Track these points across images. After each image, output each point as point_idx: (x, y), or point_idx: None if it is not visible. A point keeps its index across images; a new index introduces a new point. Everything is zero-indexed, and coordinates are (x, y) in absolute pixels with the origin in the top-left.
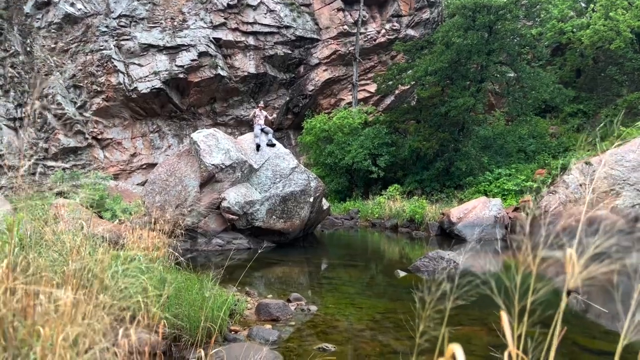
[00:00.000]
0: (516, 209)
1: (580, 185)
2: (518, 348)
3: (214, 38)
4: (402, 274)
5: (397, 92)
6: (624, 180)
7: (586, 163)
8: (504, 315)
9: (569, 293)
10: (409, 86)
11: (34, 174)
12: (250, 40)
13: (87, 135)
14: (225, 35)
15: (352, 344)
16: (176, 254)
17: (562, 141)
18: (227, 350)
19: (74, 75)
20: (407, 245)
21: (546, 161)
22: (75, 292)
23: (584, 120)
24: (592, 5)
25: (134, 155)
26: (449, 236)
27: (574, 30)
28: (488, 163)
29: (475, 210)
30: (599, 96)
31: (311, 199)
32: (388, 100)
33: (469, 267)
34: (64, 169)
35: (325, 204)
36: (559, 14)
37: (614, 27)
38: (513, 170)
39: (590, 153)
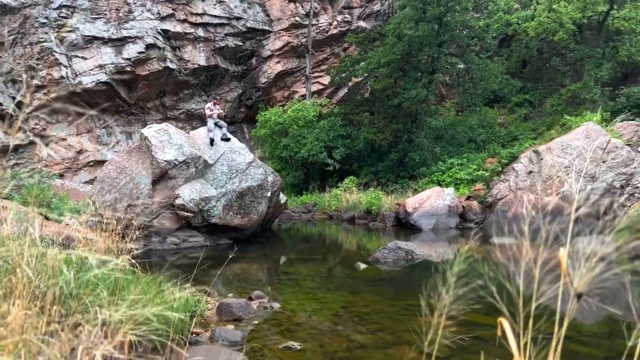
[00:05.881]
0: (469, 198)
1: (529, 173)
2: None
3: (161, 29)
4: (362, 266)
5: (350, 84)
6: (569, 167)
7: (534, 152)
8: (504, 322)
9: (579, 297)
10: (362, 78)
11: None
12: (200, 32)
13: (28, 133)
14: (173, 26)
15: (317, 340)
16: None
17: (510, 130)
18: (190, 354)
19: (11, 69)
20: (365, 237)
21: (496, 150)
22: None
23: (530, 110)
24: None
25: (80, 152)
26: (405, 226)
27: (520, 22)
28: (440, 153)
29: (430, 200)
30: (544, 86)
31: (269, 194)
32: (342, 92)
33: (427, 257)
34: (4, 168)
35: (282, 198)
36: (505, 6)
37: (557, 19)
38: (464, 159)
39: (536, 142)
